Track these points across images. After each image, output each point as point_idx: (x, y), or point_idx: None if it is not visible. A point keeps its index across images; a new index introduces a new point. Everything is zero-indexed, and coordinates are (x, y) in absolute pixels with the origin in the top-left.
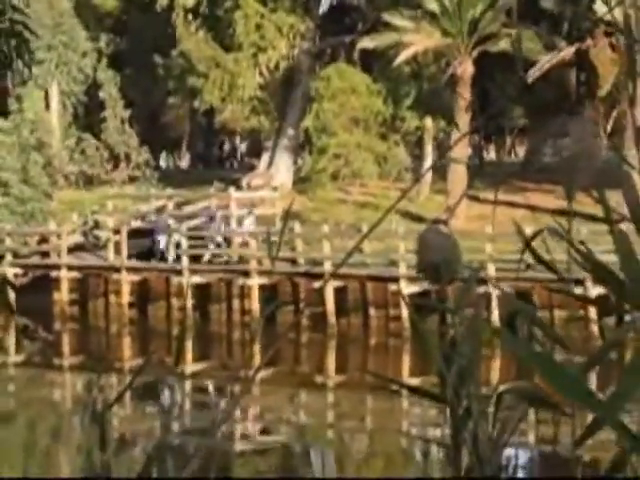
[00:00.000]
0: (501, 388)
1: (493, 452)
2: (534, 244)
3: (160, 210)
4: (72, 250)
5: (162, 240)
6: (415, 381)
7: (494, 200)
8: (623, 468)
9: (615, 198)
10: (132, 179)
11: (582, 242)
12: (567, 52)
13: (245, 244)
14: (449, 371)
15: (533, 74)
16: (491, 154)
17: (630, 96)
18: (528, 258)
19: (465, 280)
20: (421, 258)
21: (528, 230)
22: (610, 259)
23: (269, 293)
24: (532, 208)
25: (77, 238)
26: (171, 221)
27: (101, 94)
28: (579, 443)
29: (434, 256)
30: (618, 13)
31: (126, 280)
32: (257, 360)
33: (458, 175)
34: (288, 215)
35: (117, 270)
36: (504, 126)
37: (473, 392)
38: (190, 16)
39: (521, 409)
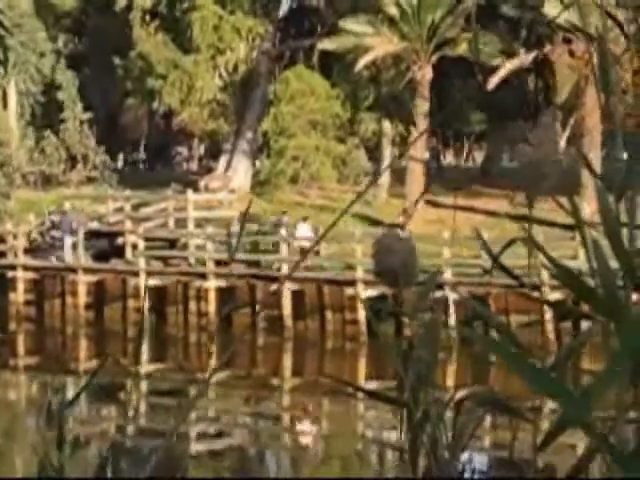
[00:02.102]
0: (459, 392)
1: (451, 456)
2: (491, 250)
3: (118, 211)
4: (29, 251)
5: (67, 240)
6: (372, 385)
7: (452, 205)
8: (585, 471)
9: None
10: (90, 180)
11: (541, 248)
12: (526, 58)
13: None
14: (406, 374)
15: (492, 80)
16: (449, 159)
17: (601, 108)
18: (485, 263)
19: (422, 284)
20: (378, 262)
21: (486, 235)
22: (571, 264)
23: (226, 296)
24: (489, 213)
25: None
26: (75, 222)
27: (60, 95)
28: (542, 447)
29: (391, 260)
30: (576, 19)
31: (82, 281)
32: (213, 362)
33: (416, 179)
34: (245, 218)
35: (74, 271)
36: (463, 131)
37: (431, 395)
38: (149, 17)
39: (478, 414)
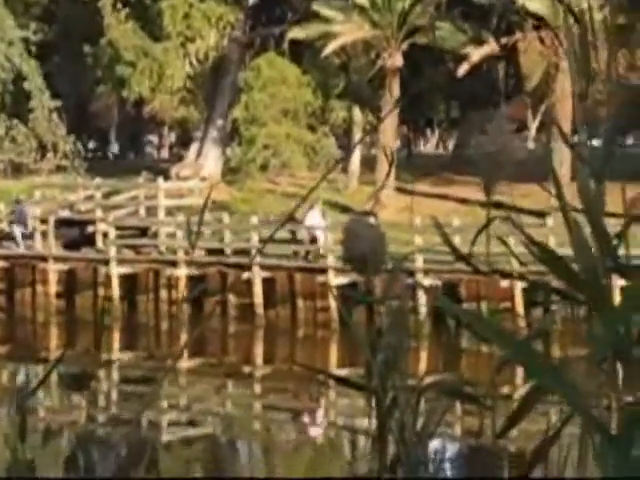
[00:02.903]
0: (427, 380)
1: (419, 442)
2: (459, 237)
3: (89, 199)
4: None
5: (17, 230)
6: (343, 372)
7: (423, 192)
8: (545, 456)
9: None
10: (60, 168)
11: (523, 231)
12: (495, 46)
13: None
14: (375, 361)
15: (462, 67)
16: (420, 147)
17: (581, 92)
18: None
19: (392, 271)
20: (348, 249)
21: (456, 222)
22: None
23: (197, 283)
24: (460, 200)
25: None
26: (28, 213)
27: (26, 84)
28: (501, 434)
29: (361, 247)
30: (545, 7)
31: (53, 269)
32: (184, 350)
33: (386, 167)
34: (206, 206)
35: (44, 259)
36: (434, 118)
37: (399, 382)
38: (119, 5)
39: (446, 401)
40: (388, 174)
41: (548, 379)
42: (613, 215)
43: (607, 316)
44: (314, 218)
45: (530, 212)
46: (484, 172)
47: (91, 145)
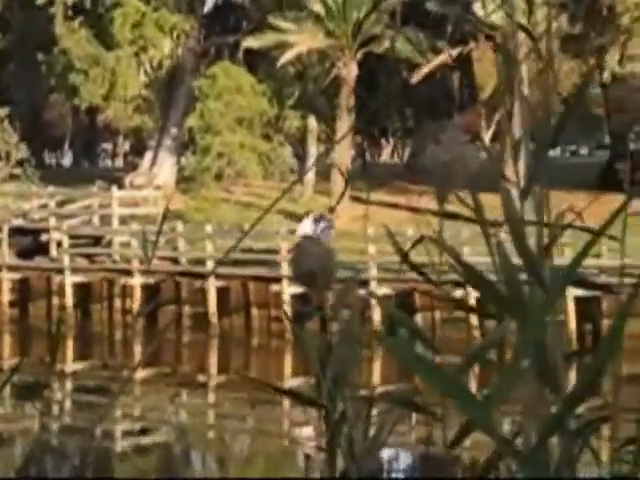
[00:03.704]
0: (378, 390)
1: (368, 454)
2: (419, 247)
3: (42, 208)
4: None
5: None
6: (297, 381)
7: (377, 201)
8: (496, 469)
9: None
10: (13, 177)
11: (450, 247)
12: (450, 55)
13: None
14: (325, 374)
15: (416, 77)
16: (375, 155)
17: (507, 110)
18: (414, 259)
19: (344, 281)
20: (297, 265)
21: (410, 231)
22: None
23: (151, 293)
24: (414, 210)
25: None
26: None
27: None
28: (453, 445)
29: (309, 263)
30: (500, 17)
31: (6, 278)
32: (141, 361)
33: (341, 176)
34: (165, 216)
35: None
36: (388, 128)
37: (349, 395)
38: (73, 13)
39: (397, 412)
40: (343, 192)
41: (475, 417)
42: (543, 225)
43: (527, 330)
44: (305, 228)
45: (481, 222)
46: (437, 181)
47: (45, 153)
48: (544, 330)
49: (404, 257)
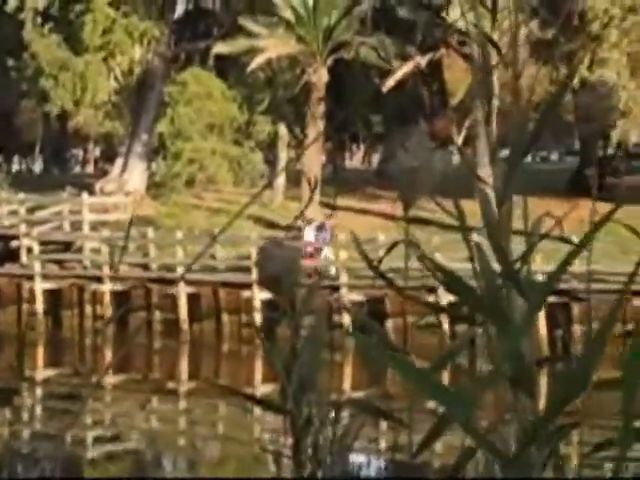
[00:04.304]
0: (345, 396)
1: (333, 460)
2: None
3: (12, 214)
4: None
5: None
6: (267, 388)
7: (347, 207)
8: (464, 468)
9: (468, 206)
10: None
11: (421, 251)
12: (420, 61)
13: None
14: (289, 381)
15: (387, 83)
16: (346, 162)
17: (482, 116)
18: (387, 264)
19: (311, 287)
20: (262, 269)
21: (382, 237)
22: (467, 267)
23: (122, 299)
24: (385, 216)
25: None
26: None
27: None
28: (420, 450)
29: (275, 267)
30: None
31: None
32: (110, 367)
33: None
34: (132, 222)
35: None
36: (359, 134)
37: (315, 401)
38: (43, 19)
39: (363, 417)
40: (310, 198)
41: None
42: (518, 233)
43: (507, 336)
44: (308, 236)
45: (453, 227)
46: (403, 188)
47: (15, 159)
48: (523, 338)
49: (369, 263)
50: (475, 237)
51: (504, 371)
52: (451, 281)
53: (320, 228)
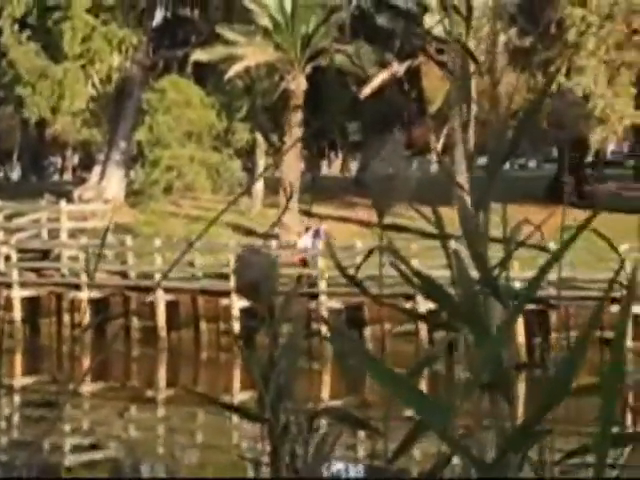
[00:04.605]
0: (325, 404)
1: (311, 468)
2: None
3: None
4: None
5: None
6: (245, 396)
7: (326, 214)
8: (440, 473)
9: (446, 214)
10: None
11: (401, 257)
12: (399, 69)
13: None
14: (267, 389)
15: (364, 90)
16: (324, 169)
17: (464, 120)
18: (365, 271)
19: (289, 294)
20: (240, 277)
21: (359, 244)
22: (445, 274)
23: (100, 307)
24: (362, 223)
25: None
26: None
27: None
28: (395, 457)
29: (252, 274)
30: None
31: None
32: (87, 374)
33: (289, 190)
34: (108, 230)
35: None
36: (337, 141)
37: (292, 409)
38: (21, 26)
39: (339, 425)
40: (286, 206)
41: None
42: (497, 241)
43: (485, 343)
44: (305, 242)
45: (431, 235)
46: (376, 196)
47: None
48: (502, 343)
49: (343, 271)
50: (453, 244)
51: (482, 377)
52: (428, 288)
53: (316, 234)
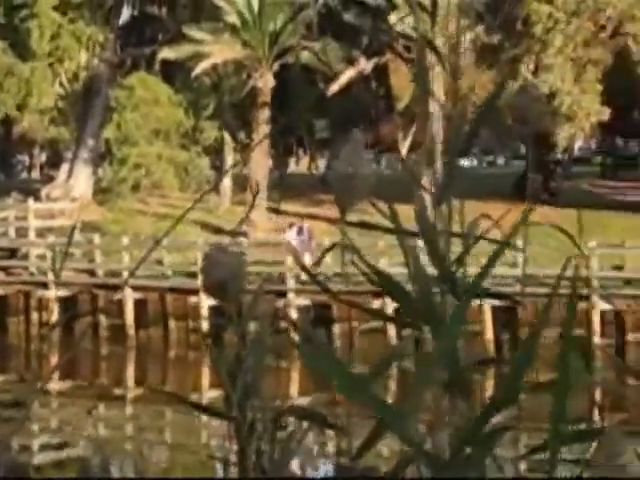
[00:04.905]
0: (290, 403)
1: (277, 466)
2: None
3: None
4: None
5: None
6: (214, 394)
7: (294, 212)
8: (404, 471)
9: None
10: None
11: (360, 254)
12: (366, 66)
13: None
14: (234, 388)
15: (331, 87)
16: (293, 167)
17: (424, 113)
18: (332, 269)
19: (256, 293)
20: (207, 276)
21: (327, 242)
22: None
23: (68, 305)
24: (329, 220)
25: None
26: None
27: None
28: (358, 455)
29: (220, 273)
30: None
31: None
32: (54, 372)
33: (257, 187)
34: (74, 229)
35: None
36: (305, 139)
37: (259, 407)
38: None
39: (304, 425)
40: (252, 204)
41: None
42: (456, 235)
43: (440, 338)
44: (290, 239)
45: (390, 231)
46: (338, 194)
47: None
48: (456, 338)
49: (305, 269)
50: (419, 242)
51: (439, 375)
52: (385, 285)
53: (300, 231)
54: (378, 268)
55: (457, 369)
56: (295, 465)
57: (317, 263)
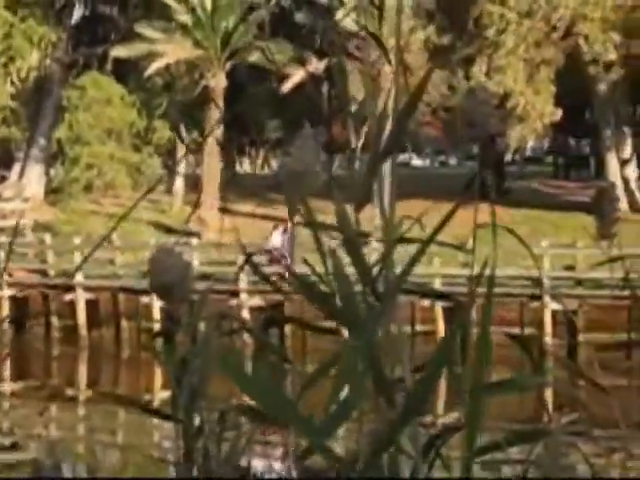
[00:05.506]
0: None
1: (223, 467)
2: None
3: None
4: None
5: None
6: (166, 394)
7: (247, 212)
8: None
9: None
10: None
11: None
12: (318, 66)
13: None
14: (180, 390)
15: (284, 87)
16: (245, 166)
17: (373, 120)
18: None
19: (202, 294)
20: (154, 278)
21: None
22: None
23: (20, 305)
24: (283, 221)
25: None
26: None
27: None
28: (305, 454)
29: (167, 276)
30: (357, 23)
31: None
32: (4, 374)
33: (210, 187)
34: (17, 228)
35: None
36: (257, 139)
37: (203, 408)
38: None
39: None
40: (196, 204)
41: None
42: (366, 236)
43: (361, 340)
44: (275, 240)
45: (334, 228)
46: (287, 192)
47: None
48: (375, 340)
49: (256, 269)
50: (373, 244)
51: (364, 378)
52: (303, 289)
53: (284, 232)
54: (295, 271)
55: (378, 371)
56: (245, 464)
57: (242, 264)
